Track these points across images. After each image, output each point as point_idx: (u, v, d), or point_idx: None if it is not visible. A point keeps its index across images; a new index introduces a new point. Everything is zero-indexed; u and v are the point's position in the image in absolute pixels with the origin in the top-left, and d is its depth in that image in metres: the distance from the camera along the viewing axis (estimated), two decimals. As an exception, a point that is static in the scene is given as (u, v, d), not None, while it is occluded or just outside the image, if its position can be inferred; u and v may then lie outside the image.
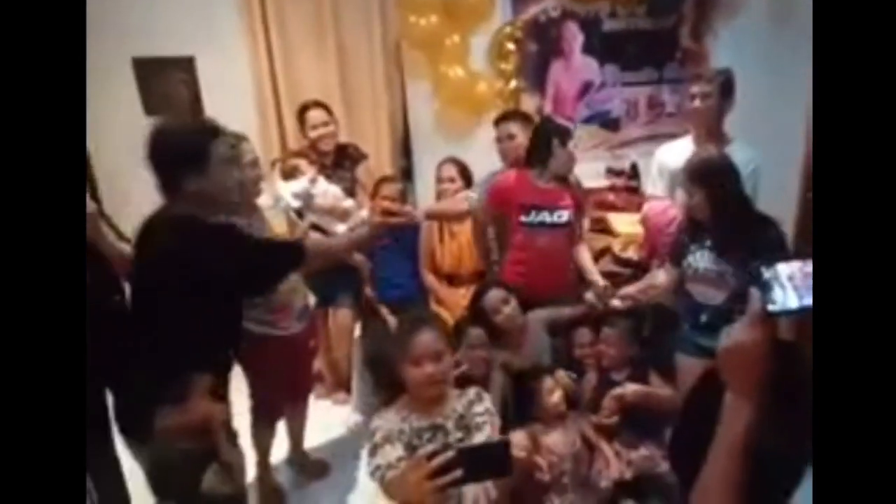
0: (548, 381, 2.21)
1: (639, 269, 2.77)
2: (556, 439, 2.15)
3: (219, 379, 1.64)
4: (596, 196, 3.48)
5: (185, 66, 3.28)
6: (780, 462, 0.84)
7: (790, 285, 0.83)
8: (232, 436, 1.66)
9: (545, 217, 2.52)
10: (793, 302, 0.82)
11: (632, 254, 2.89)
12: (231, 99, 3.29)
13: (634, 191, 3.44)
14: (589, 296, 2.47)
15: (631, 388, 2.20)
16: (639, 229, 2.79)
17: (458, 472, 1.17)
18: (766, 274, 0.84)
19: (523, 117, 2.95)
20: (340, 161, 3.06)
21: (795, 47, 3.60)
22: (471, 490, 1.49)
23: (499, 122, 2.94)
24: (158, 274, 1.58)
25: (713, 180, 2.10)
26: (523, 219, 2.54)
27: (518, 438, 2.04)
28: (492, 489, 1.52)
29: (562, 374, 2.33)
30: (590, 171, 3.55)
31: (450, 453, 1.19)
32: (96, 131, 3.29)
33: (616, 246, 2.99)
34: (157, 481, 1.64)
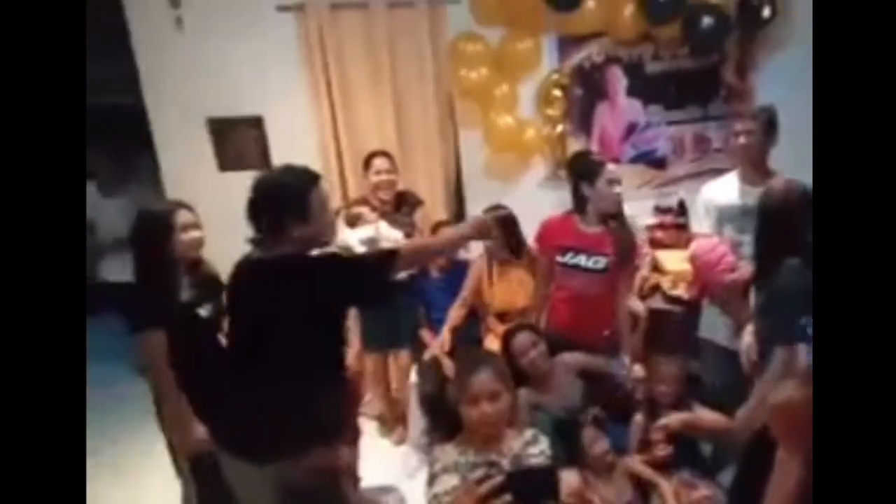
0: (589, 432, 2.22)
1: (688, 307, 2.82)
2: (606, 488, 2.16)
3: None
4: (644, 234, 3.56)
5: (255, 124, 3.54)
6: None
7: None
8: (355, 480, 1.77)
9: (581, 260, 2.54)
10: None
11: (681, 292, 2.93)
12: (296, 152, 3.53)
13: (682, 227, 3.50)
14: (615, 367, 2.49)
15: (675, 417, 2.13)
16: (688, 266, 2.84)
17: (507, 497, 1.22)
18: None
19: None
20: (399, 207, 3.24)
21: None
22: None
23: None
24: (274, 310, 1.70)
25: (772, 215, 2.07)
26: (559, 259, 2.59)
27: (570, 479, 2.07)
28: None
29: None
30: (638, 210, 3.63)
31: (499, 478, 1.25)
32: (176, 186, 3.61)
33: (665, 283, 3.05)
34: None
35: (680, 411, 2.24)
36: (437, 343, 3.03)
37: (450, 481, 1.57)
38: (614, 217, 2.55)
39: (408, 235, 3.09)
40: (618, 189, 2.52)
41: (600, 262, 2.54)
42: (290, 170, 1.85)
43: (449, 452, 1.67)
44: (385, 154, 3.24)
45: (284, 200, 1.76)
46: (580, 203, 2.56)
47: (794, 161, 2.66)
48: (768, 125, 2.56)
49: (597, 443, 2.20)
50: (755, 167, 2.58)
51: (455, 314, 3.07)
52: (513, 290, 3.02)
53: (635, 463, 2.24)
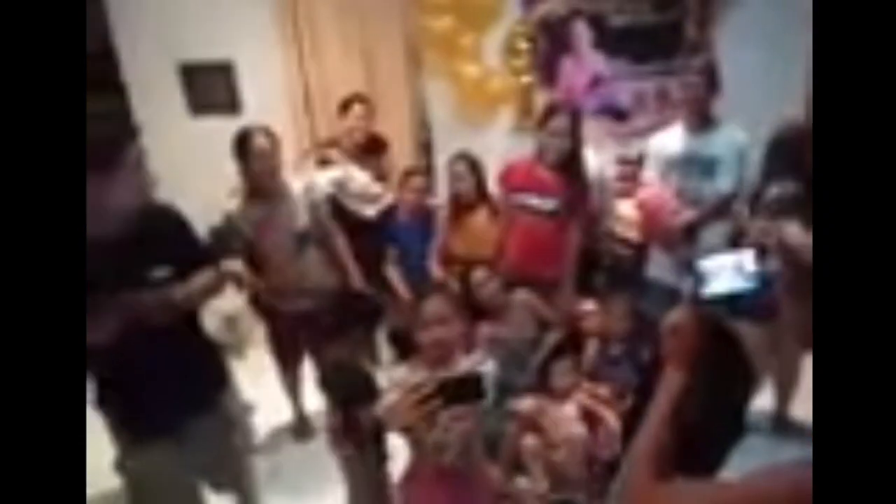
0: (561, 365, 2.40)
1: (638, 250, 3.02)
2: (558, 415, 2.36)
3: None
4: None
5: (226, 69, 3.60)
6: (706, 431, 0.95)
7: (722, 274, 1.02)
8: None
9: (531, 200, 2.69)
10: (721, 288, 1.01)
11: (631, 235, 3.12)
12: (267, 97, 3.61)
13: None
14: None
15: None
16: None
17: (437, 401, 1.38)
18: (700, 266, 1.03)
19: None
20: (370, 150, 3.32)
21: (796, 33, 3.77)
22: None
23: None
24: None
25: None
26: (513, 197, 2.75)
27: (525, 403, 2.32)
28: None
29: None
30: (600, 161, 3.78)
31: (431, 384, 1.40)
32: (148, 132, 3.67)
33: (618, 228, 3.23)
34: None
35: (627, 348, 2.50)
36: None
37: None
38: (566, 166, 2.68)
39: (378, 178, 3.21)
40: (558, 142, 2.63)
41: (549, 203, 2.68)
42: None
43: (401, 372, 1.79)
44: (363, 101, 3.27)
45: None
46: (539, 148, 2.72)
47: (748, 112, 2.81)
48: (710, 78, 2.70)
49: (562, 374, 2.39)
50: (698, 117, 2.73)
51: (438, 272, 3.09)
52: (474, 239, 2.99)
53: (586, 398, 2.40)
